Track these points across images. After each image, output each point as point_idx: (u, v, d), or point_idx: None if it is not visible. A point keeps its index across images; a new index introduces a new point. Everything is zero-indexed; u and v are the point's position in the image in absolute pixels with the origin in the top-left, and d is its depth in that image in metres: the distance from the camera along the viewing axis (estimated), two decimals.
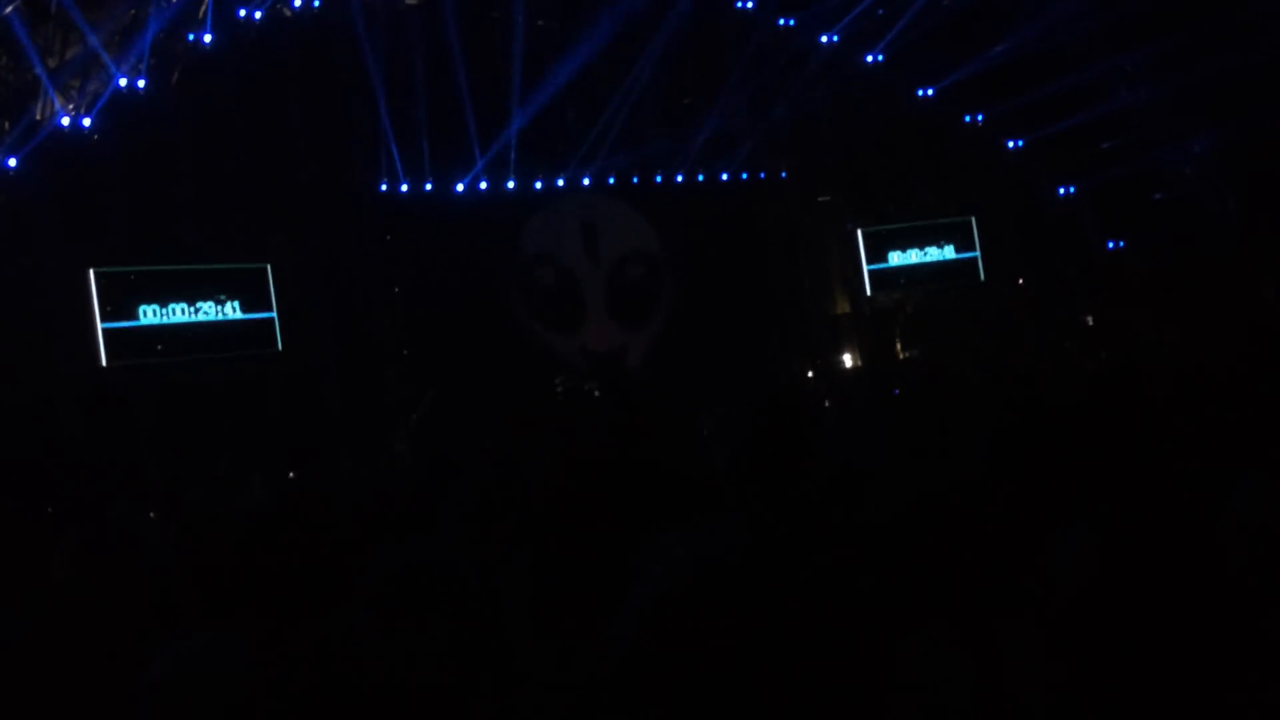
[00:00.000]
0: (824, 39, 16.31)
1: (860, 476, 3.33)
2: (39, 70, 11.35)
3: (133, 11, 11.87)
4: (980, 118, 16.78)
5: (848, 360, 16.97)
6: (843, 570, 2.45)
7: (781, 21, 16.08)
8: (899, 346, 16.73)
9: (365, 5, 13.46)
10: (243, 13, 12.56)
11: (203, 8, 12.44)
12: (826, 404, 12.95)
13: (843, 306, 17.25)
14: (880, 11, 15.41)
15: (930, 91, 16.55)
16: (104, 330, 11.59)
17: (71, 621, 2.66)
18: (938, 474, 3.27)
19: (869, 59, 16.40)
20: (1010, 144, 17.02)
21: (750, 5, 15.94)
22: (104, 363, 11.59)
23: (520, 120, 14.18)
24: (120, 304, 11.78)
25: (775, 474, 3.44)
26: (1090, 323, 15.72)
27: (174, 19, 12.18)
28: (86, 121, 11.65)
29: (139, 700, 2.03)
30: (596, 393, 12.93)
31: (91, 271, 11.61)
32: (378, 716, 2.04)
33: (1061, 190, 16.92)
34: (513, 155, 14.42)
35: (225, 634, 2.36)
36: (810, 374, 15.98)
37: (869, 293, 16.61)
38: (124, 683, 2.13)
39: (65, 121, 11.53)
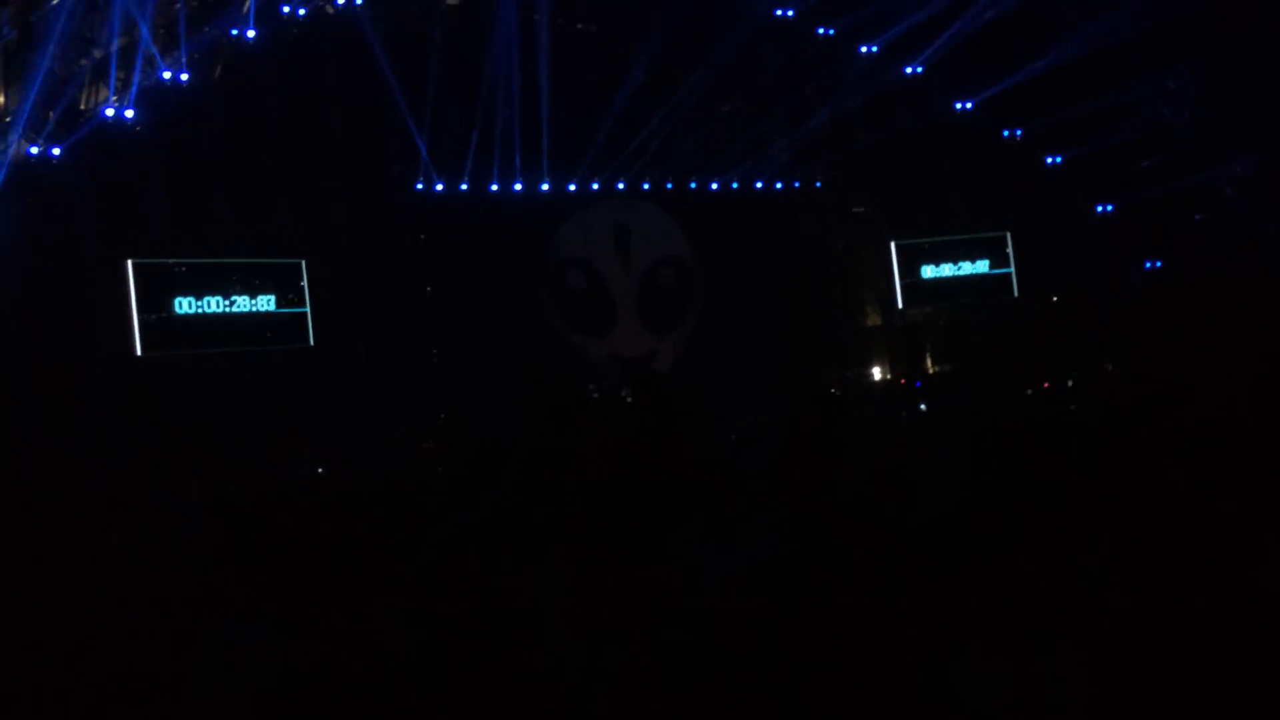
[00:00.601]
0: (863, 49, 16.27)
1: (896, 484, 3.31)
2: (86, 60, 11.53)
3: (178, 5, 12.02)
4: (1019, 132, 16.67)
5: (877, 373, 16.90)
6: (880, 577, 2.43)
7: (821, 31, 16.05)
8: (930, 361, 16.64)
9: (407, 4, 13.56)
10: (286, 9, 12.68)
11: (247, 3, 12.57)
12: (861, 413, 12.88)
13: (874, 319, 17.18)
14: (920, 22, 15.31)
15: (969, 104, 16.46)
16: (140, 320, 11.72)
17: (127, 603, 2.68)
18: (971, 485, 3.24)
19: (908, 70, 16.34)
20: (1048, 159, 16.88)
21: (790, 14, 15.91)
22: (139, 352, 11.71)
23: (557, 122, 14.23)
24: (157, 295, 11.92)
25: (812, 478, 3.42)
26: (1125, 343, 15.56)
27: (219, 14, 12.33)
28: (130, 113, 11.80)
29: (182, 684, 2.05)
30: (630, 399, 12.92)
31: (130, 262, 11.75)
32: (408, 704, 2.05)
33: (1099, 208, 16.77)
34: (547, 157, 14.46)
35: (258, 623, 2.37)
36: (839, 385, 15.89)
37: (901, 306, 16.53)
38: (173, 664, 2.15)
39: (109, 112, 11.67)
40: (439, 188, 14.00)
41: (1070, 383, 10.14)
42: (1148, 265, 16.49)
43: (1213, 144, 14.90)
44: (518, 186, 14.56)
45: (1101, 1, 14.09)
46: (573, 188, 15.07)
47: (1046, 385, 10.03)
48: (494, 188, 14.42)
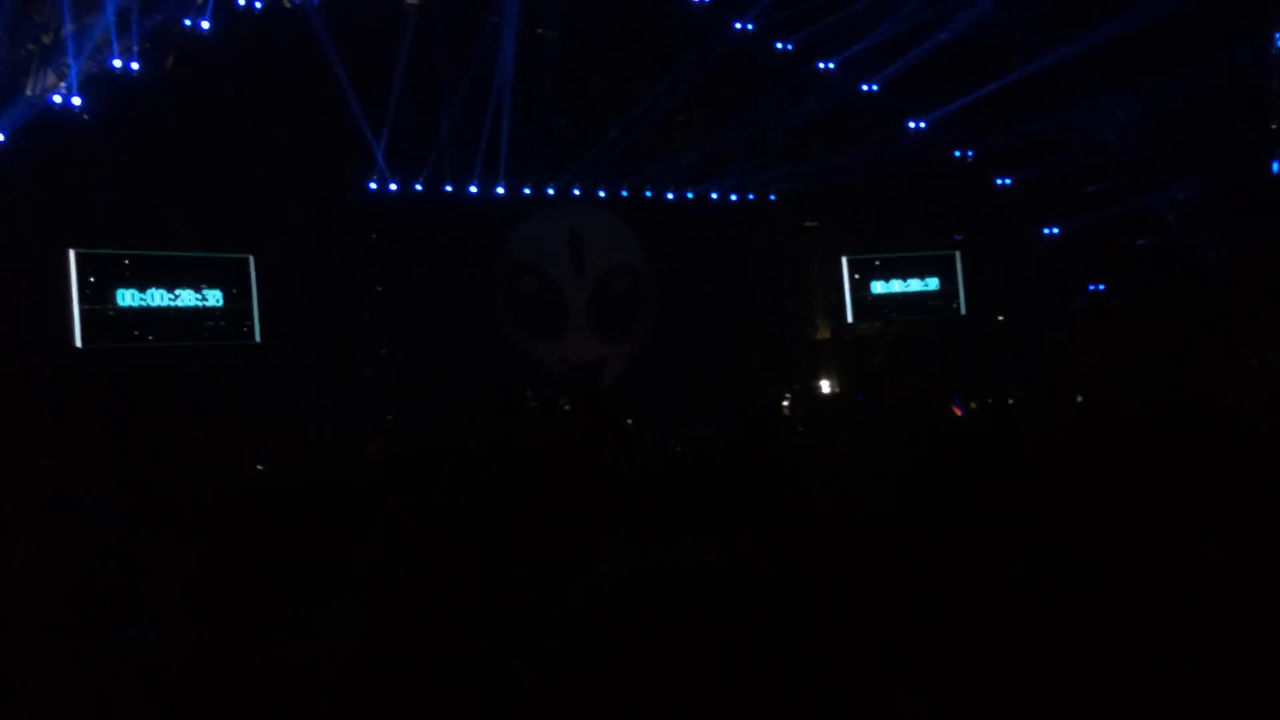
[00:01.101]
0: (821, 66, 16.44)
1: (835, 497, 3.33)
2: (34, 45, 11.32)
3: None
4: (970, 154, 16.92)
5: (826, 386, 17.03)
6: (814, 588, 2.45)
7: (779, 45, 16.19)
8: (877, 374, 16.78)
9: (365, 3, 13.48)
10: (242, 2, 12.54)
11: None
12: (800, 429, 12.97)
13: (824, 332, 17.34)
14: (877, 42, 15.51)
15: (923, 124, 16.69)
16: (81, 311, 11.51)
17: (29, 603, 2.63)
18: (908, 496, 3.27)
19: (864, 88, 16.54)
20: (998, 181, 17.16)
21: (750, 27, 16.04)
22: (79, 344, 11.49)
23: (514, 126, 14.21)
24: (99, 286, 11.71)
25: (750, 491, 3.44)
26: (1067, 363, 15.81)
27: (173, 3, 12.17)
28: (77, 100, 11.60)
29: (83, 686, 2.01)
30: (567, 407, 12.90)
31: (72, 252, 11.53)
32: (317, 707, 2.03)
33: (1046, 230, 17.06)
34: (504, 161, 14.43)
35: (167, 623, 2.33)
36: (788, 397, 16.00)
37: (850, 320, 16.69)
38: (75, 669, 2.11)
39: (56, 99, 11.46)
40: (393, 187, 13.92)
41: (1011, 401, 10.30)
42: (1091, 288, 16.80)
43: (1156, 171, 15.21)
44: (473, 189, 14.52)
45: (1052, 28, 14.33)
46: (528, 192, 15.04)
47: (989, 401, 10.16)
48: (448, 189, 14.35)
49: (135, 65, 11.88)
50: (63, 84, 11.67)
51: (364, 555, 2.65)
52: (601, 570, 2.18)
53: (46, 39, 11.72)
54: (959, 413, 11.01)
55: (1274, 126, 13.62)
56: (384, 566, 2.51)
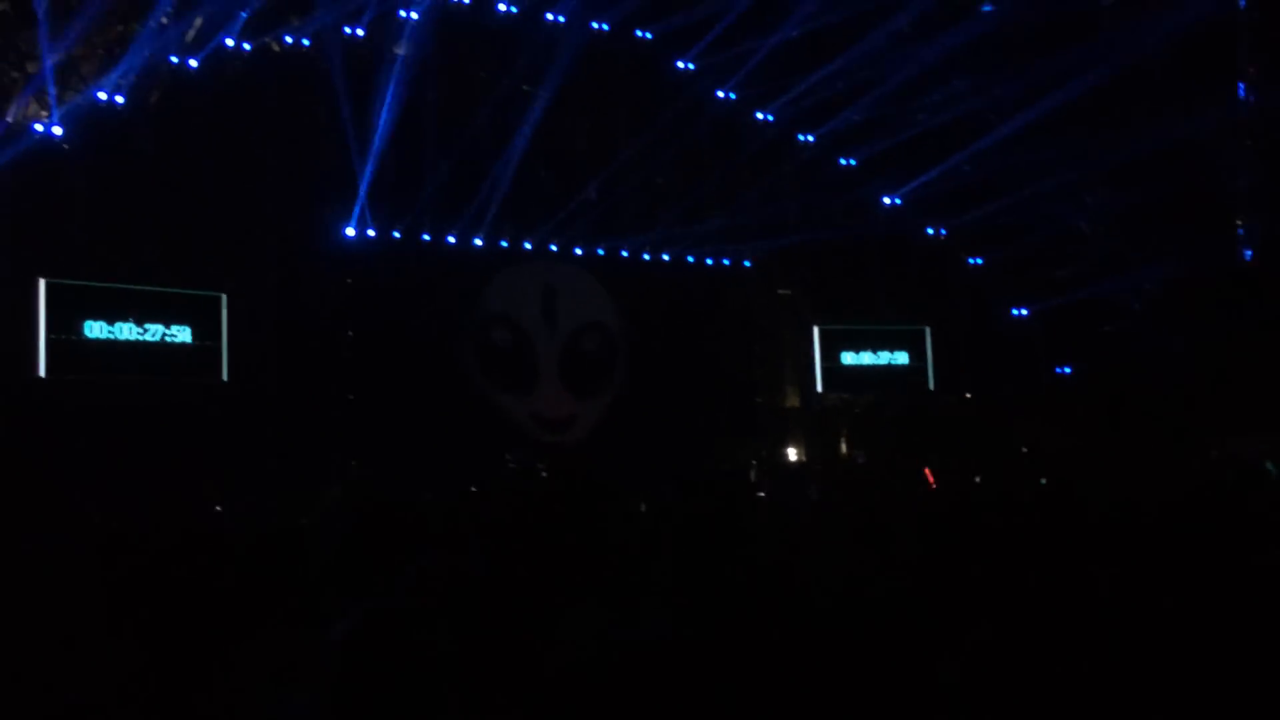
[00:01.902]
0: (800, 138, 16.73)
1: (791, 568, 3.34)
2: (18, 73, 11.32)
3: (120, 27, 11.90)
4: (943, 231, 17.19)
5: (792, 454, 17.08)
6: (767, 660, 2.45)
7: (760, 115, 16.47)
8: (844, 446, 16.88)
9: (353, 51, 13.60)
10: (230, 42, 12.63)
11: (191, 32, 12.49)
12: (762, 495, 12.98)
13: (792, 400, 17.42)
14: (857, 120, 15.83)
15: (898, 200, 16.97)
16: (47, 341, 11.38)
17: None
18: (865, 573, 3.29)
19: (842, 162, 16.83)
20: (970, 260, 17.42)
21: (733, 96, 16.32)
22: (42, 374, 11.35)
23: (494, 179, 14.33)
24: (67, 316, 11.59)
25: (708, 559, 3.44)
26: (1029, 446, 15.97)
27: (161, 39, 12.23)
28: (58, 130, 11.59)
29: None
30: (544, 473, 12.81)
31: (43, 280, 11.43)
32: None
33: (1015, 311, 17.30)
34: (484, 213, 14.52)
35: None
36: (754, 463, 16.03)
37: (819, 389, 16.79)
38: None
39: (38, 127, 11.46)
40: (370, 233, 13.94)
41: (977, 479, 10.35)
42: (1059, 370, 17.00)
43: (1124, 258, 15.50)
44: (450, 239, 14.57)
45: (1023, 109, 14.65)
46: (504, 245, 15.11)
47: (953, 478, 10.24)
48: (426, 238, 14.39)
49: (120, 99, 11.90)
50: (45, 113, 11.67)
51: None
52: (568, 643, 2.18)
53: (32, 67, 11.73)
54: (931, 480, 11.07)
55: (1240, 221, 13.94)
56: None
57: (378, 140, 13.48)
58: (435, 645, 2.49)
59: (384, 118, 13.50)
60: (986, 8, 14.24)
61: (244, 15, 12.62)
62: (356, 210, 13.71)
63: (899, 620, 2.76)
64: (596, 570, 3.26)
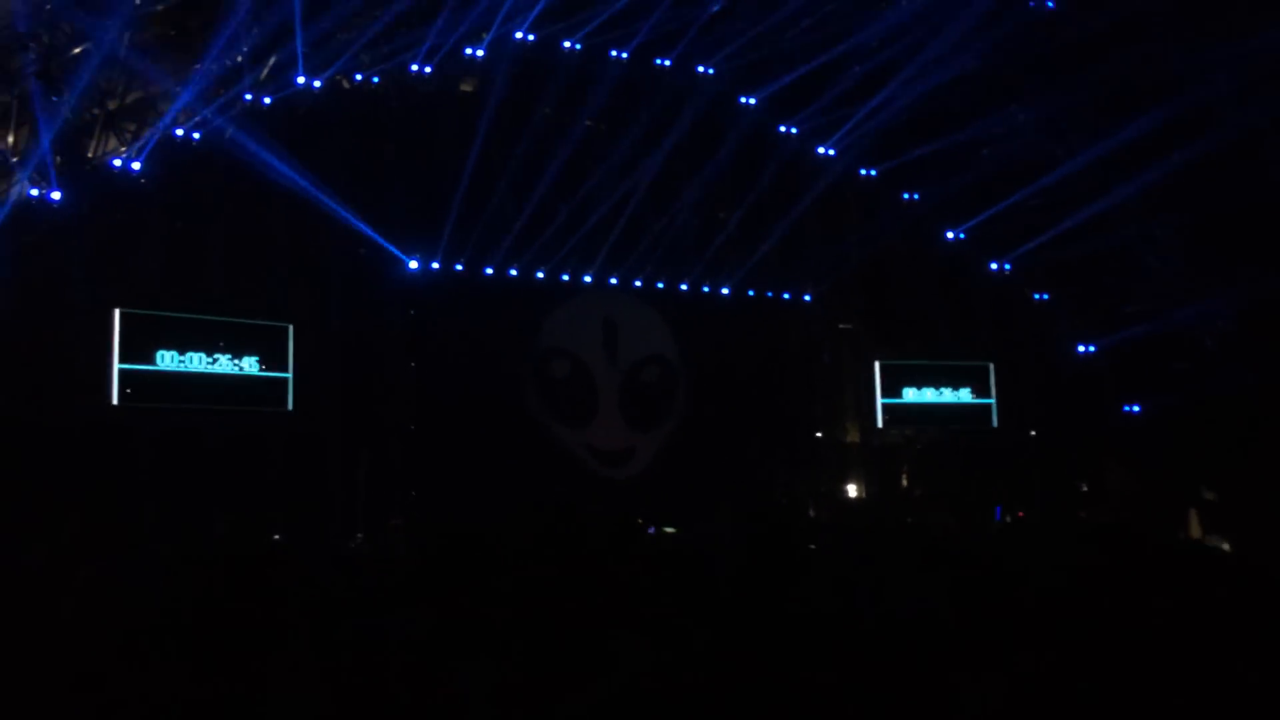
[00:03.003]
0: (862, 173, 16.69)
1: (849, 598, 3.32)
2: (100, 110, 11.72)
3: (198, 66, 12.27)
4: (1008, 266, 16.96)
5: (852, 490, 16.89)
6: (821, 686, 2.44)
7: (821, 150, 16.45)
8: (905, 483, 16.65)
9: (419, 88, 13.87)
10: (301, 80, 12.94)
11: (265, 70, 12.84)
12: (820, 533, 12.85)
13: (853, 436, 17.24)
14: (921, 154, 15.74)
15: (961, 234, 16.80)
16: (120, 370, 11.70)
17: (78, 652, 2.67)
18: (913, 606, 3.25)
19: (905, 196, 16.74)
20: (1035, 296, 17.15)
21: (794, 131, 16.34)
22: (115, 401, 11.67)
23: (557, 214, 14.48)
24: (140, 345, 11.92)
25: (768, 587, 3.43)
26: (1091, 487, 15.64)
27: (236, 78, 12.58)
28: (137, 165, 11.96)
29: None
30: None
31: (117, 311, 11.77)
32: None
33: (1081, 348, 16.98)
34: (543, 247, 14.66)
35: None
36: (812, 500, 15.88)
37: (880, 425, 16.61)
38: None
39: (116, 163, 11.84)
40: (434, 266, 14.14)
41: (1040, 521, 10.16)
42: (1126, 409, 16.60)
43: (1195, 295, 15.14)
44: (512, 272, 14.72)
45: (1097, 153, 14.47)
46: (565, 278, 15.22)
47: (1020, 514, 10.05)
48: (488, 271, 14.56)
49: (196, 135, 12.26)
50: (124, 148, 12.05)
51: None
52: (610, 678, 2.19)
53: (112, 104, 12.14)
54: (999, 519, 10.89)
55: None
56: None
57: (443, 176, 13.70)
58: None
59: (449, 153, 13.73)
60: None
61: (316, 54, 12.93)
62: (427, 244, 13.93)
63: (942, 650, 2.73)
64: (646, 599, 3.26)
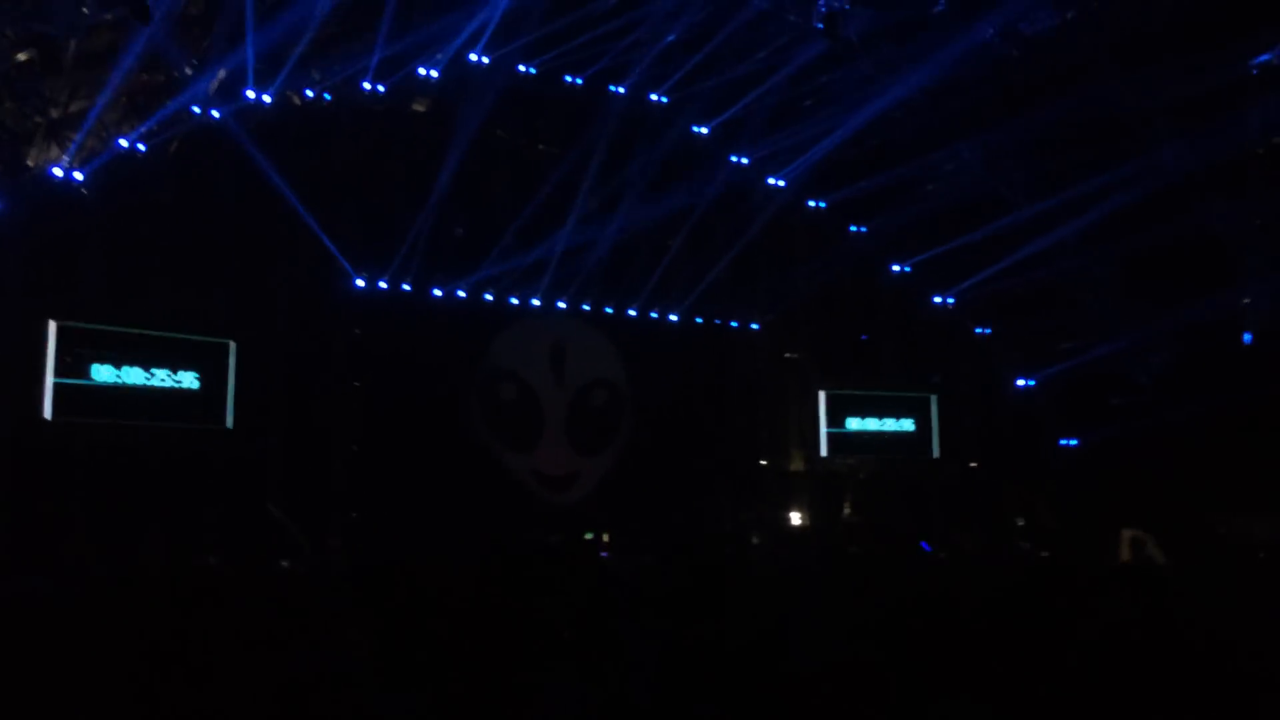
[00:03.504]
0: (811, 204, 16.88)
1: (776, 635, 3.33)
2: (41, 118, 11.52)
3: (144, 76, 12.11)
4: (950, 300, 17.24)
5: (795, 518, 16.99)
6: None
7: (771, 181, 16.62)
8: (847, 511, 16.79)
9: (371, 106, 13.80)
10: (252, 94, 12.82)
11: (214, 83, 12.70)
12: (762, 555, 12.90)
13: (797, 464, 17.37)
14: (868, 189, 15.99)
15: (907, 268, 17.05)
16: (54, 384, 11.44)
17: None
18: (849, 641, 3.27)
19: (852, 229, 16.96)
20: (977, 330, 17.44)
21: (745, 161, 16.49)
22: (48, 416, 11.39)
23: (506, 235, 14.46)
24: (75, 359, 11.66)
25: (688, 625, 3.43)
26: (1026, 518, 15.90)
27: (184, 89, 12.43)
28: (79, 175, 11.75)
29: None
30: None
31: (52, 323, 11.52)
32: None
33: (1021, 382, 17.29)
34: (495, 268, 14.62)
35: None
36: (755, 527, 15.95)
37: (824, 454, 16.74)
38: None
39: (57, 172, 11.62)
40: (381, 285, 14.04)
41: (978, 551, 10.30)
42: (1063, 443, 16.92)
43: (1132, 332, 15.49)
44: (460, 293, 14.67)
45: (1037, 191, 14.80)
46: (514, 300, 15.19)
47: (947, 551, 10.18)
48: (436, 292, 14.50)
49: (141, 147, 12.08)
50: (65, 157, 11.85)
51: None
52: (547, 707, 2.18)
53: (55, 113, 11.94)
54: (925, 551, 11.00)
55: (1245, 301, 13.96)
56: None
57: (393, 194, 13.64)
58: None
59: (400, 172, 13.67)
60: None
61: (266, 68, 12.82)
62: (374, 262, 13.84)
63: (874, 689, 2.75)
64: (577, 635, 3.25)
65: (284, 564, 9.96)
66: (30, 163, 11.84)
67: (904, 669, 3.13)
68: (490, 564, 4.42)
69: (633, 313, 16.04)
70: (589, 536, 12.99)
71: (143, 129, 12.12)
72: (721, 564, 4.04)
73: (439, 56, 13.97)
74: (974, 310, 17.21)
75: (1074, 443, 16.80)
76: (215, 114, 12.67)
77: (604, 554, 11.49)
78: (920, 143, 15.15)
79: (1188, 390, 15.11)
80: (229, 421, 12.68)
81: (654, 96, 15.92)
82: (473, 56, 14.24)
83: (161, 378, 12.27)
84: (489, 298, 14.89)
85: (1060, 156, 14.19)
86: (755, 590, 4.22)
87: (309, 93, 13.62)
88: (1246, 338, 14.02)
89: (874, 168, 15.72)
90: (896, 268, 17.11)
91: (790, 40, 14.50)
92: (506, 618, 3.53)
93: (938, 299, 17.24)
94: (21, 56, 11.23)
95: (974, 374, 17.47)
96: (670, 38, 14.71)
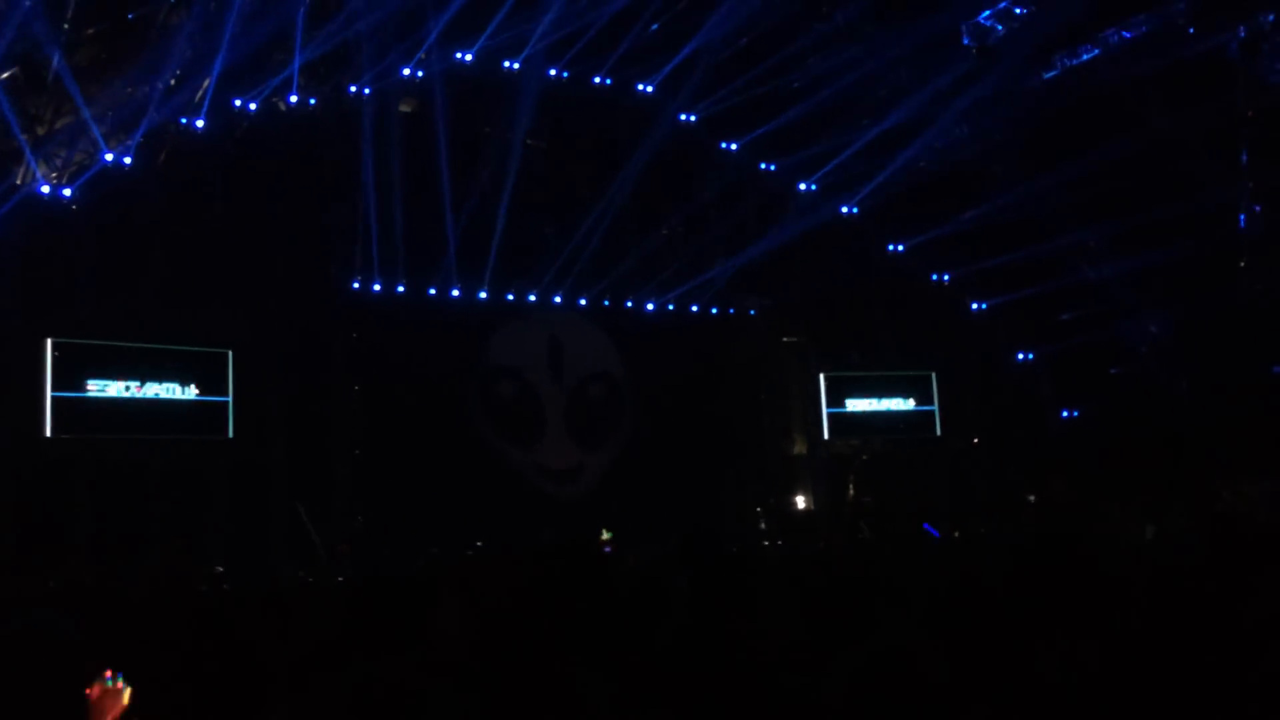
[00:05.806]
0: (802, 187, 16.83)
1: (790, 645, 3.31)
2: (24, 137, 11.46)
3: (129, 90, 12.04)
4: (947, 277, 17.22)
5: (800, 502, 16.99)
6: None
7: (763, 166, 16.58)
8: (851, 493, 16.79)
9: (358, 109, 13.73)
10: (238, 102, 12.76)
11: (200, 93, 12.63)
12: (777, 544, 12.93)
13: (800, 448, 17.36)
14: (860, 169, 15.92)
15: (901, 247, 17.02)
16: (53, 400, 11.40)
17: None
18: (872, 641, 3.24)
19: (844, 210, 16.91)
20: (974, 305, 17.43)
21: (734, 147, 16.44)
22: (48, 433, 11.35)
23: (500, 233, 14.41)
24: (73, 375, 11.61)
25: (715, 621, 3.42)
26: (1035, 494, 15.88)
27: (169, 101, 12.36)
28: (67, 191, 11.70)
29: None
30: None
31: (49, 340, 11.47)
32: None
33: (1020, 356, 17.28)
34: (489, 266, 14.58)
35: None
36: (760, 512, 15.96)
37: (826, 436, 16.74)
38: None
39: (45, 189, 11.57)
40: (376, 288, 14.01)
41: (983, 530, 10.28)
42: (1065, 414, 16.92)
43: (1129, 301, 15.49)
44: (455, 292, 14.64)
45: (1027, 160, 14.76)
46: (510, 298, 15.16)
47: (955, 533, 10.16)
48: (431, 292, 14.47)
49: (128, 159, 12.02)
50: (53, 174, 11.79)
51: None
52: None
53: (40, 130, 11.87)
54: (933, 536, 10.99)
55: (1242, 264, 13.93)
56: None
57: (383, 196, 13.58)
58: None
59: (388, 174, 13.61)
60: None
61: (251, 76, 12.76)
62: (368, 265, 13.79)
63: (878, 694, 2.71)
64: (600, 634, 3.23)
65: (297, 571, 9.96)
66: (18, 181, 11.78)
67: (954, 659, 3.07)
68: (520, 565, 4.40)
69: (628, 304, 16.01)
70: (607, 535, 12.92)
71: (130, 142, 12.07)
72: (741, 556, 4.02)
73: (423, 56, 13.90)
74: (970, 286, 17.19)
75: (1075, 414, 16.81)
76: (200, 124, 12.61)
77: (607, 550, 11.48)
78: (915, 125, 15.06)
79: (1187, 357, 15.14)
80: (230, 431, 12.64)
81: (640, 86, 15.83)
82: (457, 55, 14.17)
83: (160, 390, 12.23)
84: (484, 296, 14.86)
85: (1056, 137, 14.16)
86: (780, 582, 4.20)
87: (293, 98, 13.56)
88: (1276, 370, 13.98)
89: (862, 149, 15.64)
90: (891, 247, 17.08)
91: (778, 22, 14.44)
92: (540, 617, 3.51)
93: (934, 276, 17.22)
94: (3, 75, 11.17)
95: (973, 349, 17.46)
96: (654, 26, 14.64)
